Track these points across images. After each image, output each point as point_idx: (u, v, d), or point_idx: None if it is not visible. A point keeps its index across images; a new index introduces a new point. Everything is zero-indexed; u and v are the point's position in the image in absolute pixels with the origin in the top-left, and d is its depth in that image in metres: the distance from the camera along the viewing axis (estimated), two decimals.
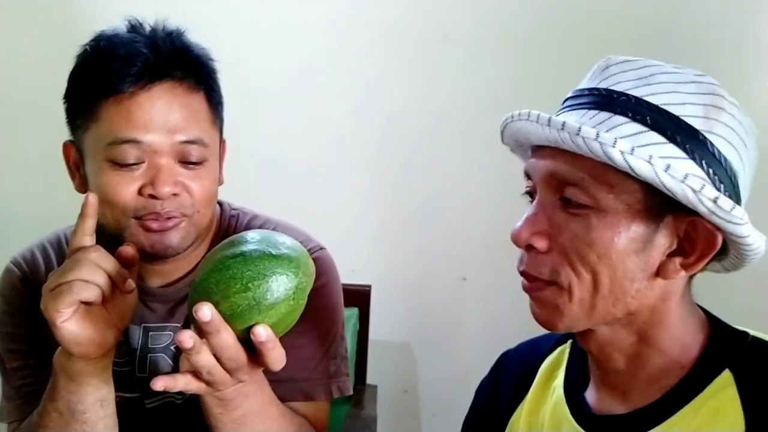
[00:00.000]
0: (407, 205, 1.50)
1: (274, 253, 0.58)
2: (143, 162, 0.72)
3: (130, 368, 0.85)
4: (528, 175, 0.60)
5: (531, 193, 0.60)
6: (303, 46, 1.43)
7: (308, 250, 0.84)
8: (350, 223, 1.50)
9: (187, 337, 0.56)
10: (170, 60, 0.74)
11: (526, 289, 0.59)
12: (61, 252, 0.85)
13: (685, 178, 0.49)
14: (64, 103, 0.77)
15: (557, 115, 0.57)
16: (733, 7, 1.34)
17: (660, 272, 0.54)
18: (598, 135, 0.50)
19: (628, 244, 0.53)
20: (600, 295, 0.55)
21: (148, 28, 0.76)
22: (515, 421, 0.70)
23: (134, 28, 0.76)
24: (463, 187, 1.48)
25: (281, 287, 0.57)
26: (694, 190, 0.49)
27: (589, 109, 0.56)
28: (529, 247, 0.57)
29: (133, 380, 0.85)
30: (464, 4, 1.40)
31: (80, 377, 0.67)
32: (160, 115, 0.72)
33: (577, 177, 0.54)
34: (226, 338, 0.57)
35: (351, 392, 0.88)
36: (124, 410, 0.85)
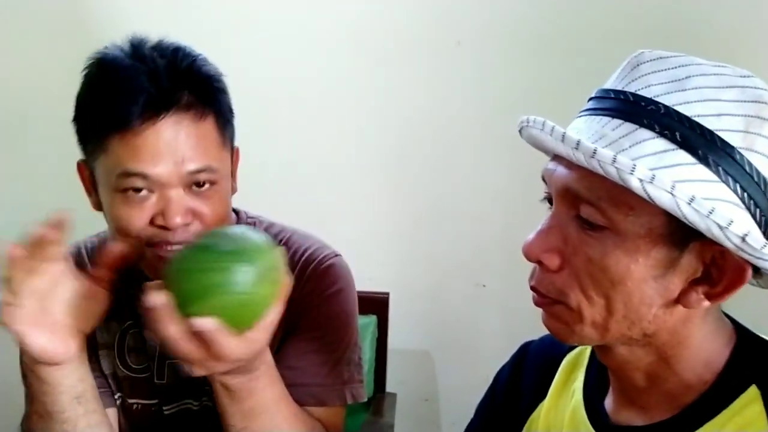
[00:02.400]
0: (424, 212, 1.50)
1: (223, 250, 0.61)
2: (153, 192, 0.72)
3: (149, 375, 0.85)
4: (544, 181, 0.56)
5: (550, 200, 0.57)
6: (317, 54, 1.44)
7: (325, 257, 0.86)
8: (367, 230, 1.49)
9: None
10: (174, 89, 0.72)
11: (535, 304, 0.56)
12: (81, 262, 0.86)
13: (710, 213, 0.44)
14: (73, 125, 0.76)
15: (580, 116, 0.54)
16: (757, 6, 1.31)
17: (681, 300, 0.50)
18: (615, 159, 0.45)
19: (646, 271, 0.49)
20: (614, 319, 0.51)
21: (148, 51, 0.73)
22: (535, 418, 0.68)
23: (135, 50, 0.73)
24: (480, 192, 1.47)
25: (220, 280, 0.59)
26: (720, 227, 0.44)
27: (613, 117, 0.50)
28: (540, 262, 0.54)
29: (152, 387, 0.85)
30: (476, 11, 1.39)
31: (51, 379, 0.68)
32: (167, 147, 0.71)
33: (593, 197, 0.49)
34: (170, 329, 0.58)
35: (365, 399, 0.87)
36: (142, 417, 0.86)
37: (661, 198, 0.45)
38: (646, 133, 0.48)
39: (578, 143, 0.47)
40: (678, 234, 0.48)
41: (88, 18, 1.46)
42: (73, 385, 0.69)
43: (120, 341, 0.86)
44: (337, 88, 1.45)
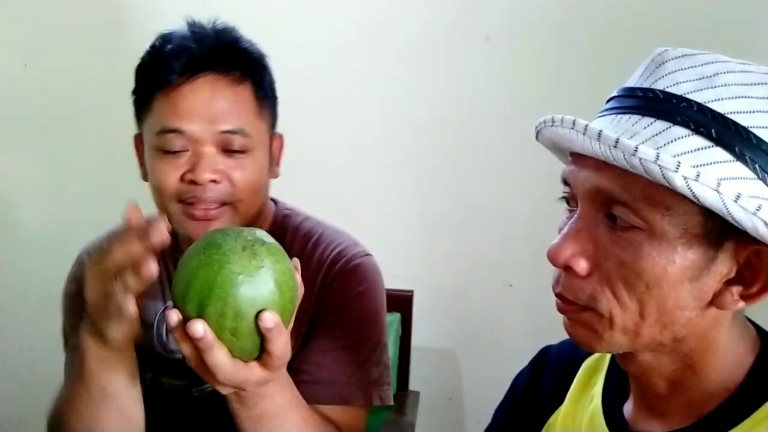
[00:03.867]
0: (449, 209, 1.49)
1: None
2: (187, 150, 0.76)
3: (181, 355, 0.87)
4: (566, 182, 0.54)
5: (568, 200, 0.55)
6: (345, 51, 1.44)
7: (353, 256, 0.87)
8: (392, 228, 1.49)
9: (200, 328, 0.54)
10: (215, 53, 0.77)
11: (560, 311, 0.54)
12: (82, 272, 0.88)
13: (757, 210, 0.43)
14: (132, 98, 0.83)
15: (602, 115, 0.52)
16: None
17: (715, 302, 0.48)
18: (658, 157, 0.43)
19: (682, 273, 0.47)
20: (646, 324, 0.49)
21: (200, 24, 0.80)
22: (552, 423, 0.67)
23: (190, 26, 0.80)
24: (506, 189, 1.46)
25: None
26: (767, 224, 0.43)
27: (643, 115, 0.49)
28: (567, 268, 0.51)
29: (181, 368, 0.87)
30: (505, 6, 1.38)
31: (113, 361, 0.70)
32: (202, 105, 0.75)
33: (628, 197, 0.47)
34: (219, 356, 0.56)
35: (392, 402, 0.86)
36: (171, 397, 0.88)
37: (707, 196, 0.43)
38: (681, 130, 0.46)
39: (617, 141, 0.45)
40: (713, 234, 0.47)
41: (119, 19, 1.49)
42: (131, 371, 0.72)
43: (159, 320, 0.89)
44: (363, 85, 1.45)
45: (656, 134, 0.47)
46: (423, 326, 1.35)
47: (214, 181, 0.76)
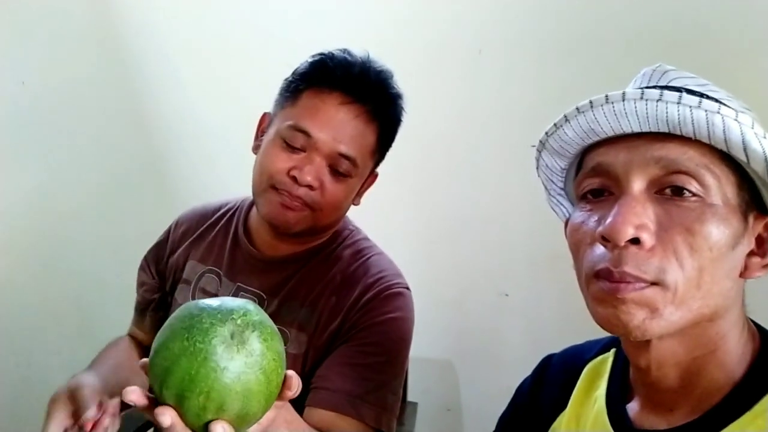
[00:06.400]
0: (446, 220, 1.50)
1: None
2: (305, 151, 0.85)
3: None
4: (596, 171, 0.55)
5: (594, 192, 0.55)
6: None
7: (395, 284, 0.92)
8: (390, 238, 1.49)
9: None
10: (370, 88, 0.87)
11: (618, 293, 0.50)
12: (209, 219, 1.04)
13: None
14: (284, 82, 0.91)
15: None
16: None
17: (743, 272, 0.52)
18: (737, 114, 0.46)
19: (729, 240, 0.50)
20: (700, 294, 0.50)
21: (362, 55, 0.90)
22: (556, 428, 0.68)
23: (346, 52, 0.90)
24: (503, 200, 1.46)
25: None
26: None
27: (662, 96, 0.49)
28: (629, 244, 0.50)
29: None
30: (497, 20, 1.40)
31: None
32: (336, 124, 0.85)
33: (692, 164, 0.49)
34: None
35: None
36: None
37: (751, 141, 0.47)
38: (711, 104, 0.48)
39: (700, 101, 0.47)
40: (743, 206, 0.51)
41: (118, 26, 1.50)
42: None
43: (197, 279, 0.98)
44: None
45: (699, 104, 0.48)
46: (420, 337, 1.34)
47: (310, 186, 0.84)
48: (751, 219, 0.51)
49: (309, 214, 0.87)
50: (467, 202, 1.48)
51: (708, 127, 0.47)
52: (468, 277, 1.51)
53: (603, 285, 0.51)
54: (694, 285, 0.50)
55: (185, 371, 0.50)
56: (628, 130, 0.52)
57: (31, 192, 1.62)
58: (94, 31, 1.53)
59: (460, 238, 1.50)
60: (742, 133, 0.46)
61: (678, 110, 0.48)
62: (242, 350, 0.52)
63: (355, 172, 0.88)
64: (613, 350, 0.67)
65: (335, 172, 0.86)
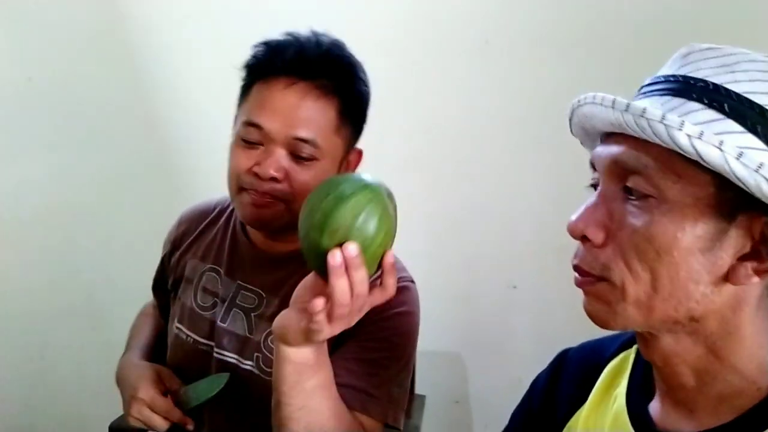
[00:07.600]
0: (455, 213, 1.49)
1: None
2: (262, 145, 0.83)
3: (212, 314, 0.94)
4: (593, 166, 0.56)
5: (595, 186, 0.56)
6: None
7: (400, 278, 0.89)
8: (397, 231, 1.49)
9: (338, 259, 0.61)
10: (315, 64, 0.83)
11: (577, 284, 0.55)
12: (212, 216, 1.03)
13: (759, 167, 0.43)
14: (239, 90, 0.89)
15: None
16: None
17: (729, 277, 0.48)
18: (663, 117, 0.45)
19: (693, 242, 0.48)
20: (660, 297, 0.49)
21: (307, 33, 0.86)
22: (573, 425, 0.66)
23: (297, 33, 0.86)
24: (512, 193, 1.46)
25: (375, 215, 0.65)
26: None
27: (662, 95, 0.51)
28: (584, 239, 0.53)
29: (211, 328, 0.92)
30: (504, 10, 1.39)
31: None
32: (285, 109, 0.82)
33: (640, 164, 0.49)
34: (364, 273, 0.63)
35: (401, 427, 0.87)
36: (191, 352, 0.94)
37: (709, 154, 0.44)
38: (695, 105, 0.49)
39: (628, 105, 0.48)
40: (726, 206, 0.47)
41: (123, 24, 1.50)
42: None
43: (198, 278, 0.97)
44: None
45: (672, 109, 0.49)
46: (429, 329, 1.34)
47: (275, 178, 0.82)
48: (742, 219, 0.48)
49: (284, 208, 0.85)
50: (475, 194, 1.48)
51: (647, 128, 0.47)
52: (476, 269, 1.51)
53: (574, 276, 0.55)
54: (648, 287, 0.50)
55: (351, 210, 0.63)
56: (600, 128, 0.54)
57: (40, 187, 1.63)
58: (100, 27, 1.53)
59: (467, 231, 1.49)
60: (669, 135, 0.45)
61: (622, 117, 0.49)
62: (391, 204, 0.68)
63: (320, 154, 0.84)
64: (634, 347, 0.65)
65: (298, 158, 0.83)
